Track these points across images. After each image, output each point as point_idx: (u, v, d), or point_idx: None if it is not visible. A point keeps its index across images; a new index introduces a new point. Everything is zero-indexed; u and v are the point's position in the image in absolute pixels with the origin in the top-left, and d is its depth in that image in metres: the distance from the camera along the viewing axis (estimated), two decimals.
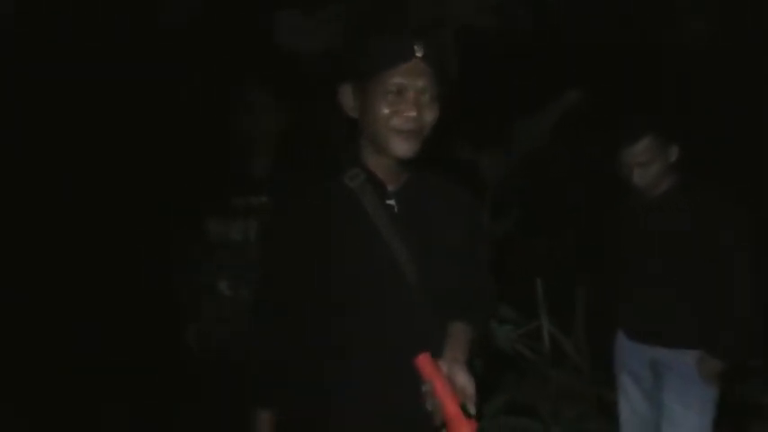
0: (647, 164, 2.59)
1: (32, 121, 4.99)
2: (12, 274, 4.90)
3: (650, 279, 2.64)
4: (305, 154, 2.71)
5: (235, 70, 3.14)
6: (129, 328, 4.72)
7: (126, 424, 3.96)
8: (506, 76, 4.11)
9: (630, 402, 2.79)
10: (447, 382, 1.55)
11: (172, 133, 4.85)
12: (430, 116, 1.72)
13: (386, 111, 1.69)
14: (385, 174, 1.78)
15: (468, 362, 1.79)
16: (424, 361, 1.56)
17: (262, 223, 2.32)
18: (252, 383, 1.83)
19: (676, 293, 2.58)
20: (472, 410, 1.54)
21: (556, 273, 3.80)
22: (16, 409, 3.96)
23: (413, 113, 1.68)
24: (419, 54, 1.68)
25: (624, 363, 2.79)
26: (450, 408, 1.50)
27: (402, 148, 1.71)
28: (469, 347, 1.72)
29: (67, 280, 5.01)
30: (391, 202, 1.77)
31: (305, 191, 1.81)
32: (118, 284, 4.90)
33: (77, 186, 5.20)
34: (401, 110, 1.68)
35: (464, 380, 1.57)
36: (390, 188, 1.79)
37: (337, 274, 1.72)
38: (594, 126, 4.06)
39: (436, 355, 1.62)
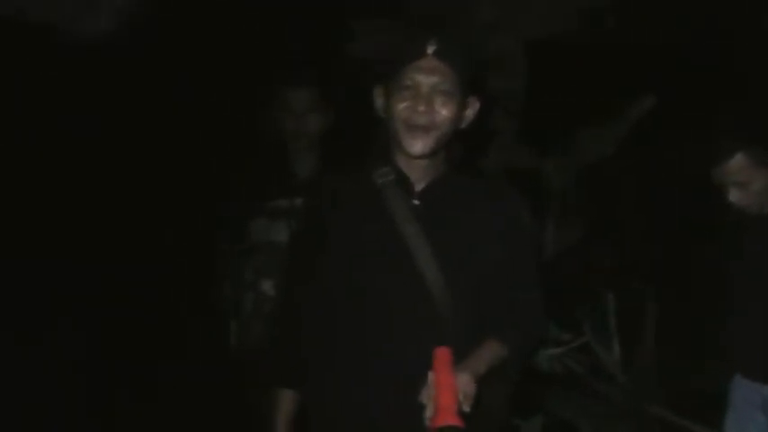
0: (744, 183, 2.32)
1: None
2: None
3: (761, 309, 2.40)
4: (348, 155, 2.71)
5: (277, 69, 3.18)
6: (170, 322, 4.84)
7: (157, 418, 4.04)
8: (576, 82, 3.98)
9: None
10: (453, 380, 1.53)
11: (214, 135, 4.93)
12: (444, 112, 1.73)
13: (400, 106, 1.74)
14: (415, 173, 1.80)
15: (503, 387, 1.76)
16: (441, 353, 1.56)
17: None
18: (273, 365, 1.95)
19: None
20: (467, 409, 1.53)
21: (623, 288, 3.62)
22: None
23: (422, 107, 1.71)
24: (430, 51, 1.71)
25: (732, 402, 2.56)
26: (444, 399, 1.48)
27: (414, 145, 1.74)
28: (497, 368, 1.70)
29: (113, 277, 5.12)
30: (416, 201, 1.78)
31: (334, 188, 1.89)
32: (161, 283, 4.99)
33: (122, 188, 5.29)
34: (413, 105, 1.72)
35: (468, 382, 1.56)
36: (419, 188, 1.80)
37: (354, 269, 1.78)
38: (673, 134, 3.86)
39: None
